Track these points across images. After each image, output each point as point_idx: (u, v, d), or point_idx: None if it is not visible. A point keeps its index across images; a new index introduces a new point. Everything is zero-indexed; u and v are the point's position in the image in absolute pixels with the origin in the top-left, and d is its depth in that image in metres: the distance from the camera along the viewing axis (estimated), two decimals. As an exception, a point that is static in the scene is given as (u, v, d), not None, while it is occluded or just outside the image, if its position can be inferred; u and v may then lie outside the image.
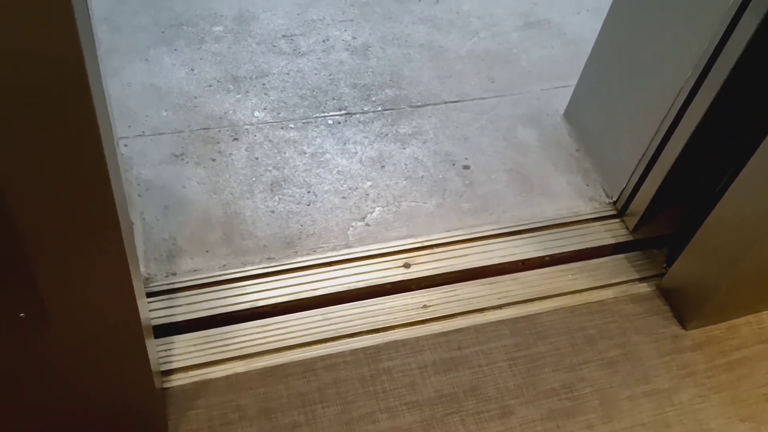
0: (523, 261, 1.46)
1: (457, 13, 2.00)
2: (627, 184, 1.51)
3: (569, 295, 1.42)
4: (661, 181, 1.41)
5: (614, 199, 1.56)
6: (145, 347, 0.93)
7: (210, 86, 1.71)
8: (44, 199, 0.66)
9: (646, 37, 1.40)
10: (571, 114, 1.75)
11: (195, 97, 1.68)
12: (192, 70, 1.74)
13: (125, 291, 0.79)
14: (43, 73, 0.57)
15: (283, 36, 1.86)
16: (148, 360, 0.96)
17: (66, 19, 0.55)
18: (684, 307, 1.40)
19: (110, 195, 0.68)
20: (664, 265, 1.47)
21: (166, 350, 1.24)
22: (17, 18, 0.53)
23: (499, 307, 1.38)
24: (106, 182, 0.66)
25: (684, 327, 1.40)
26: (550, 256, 1.47)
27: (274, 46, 1.83)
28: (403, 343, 1.31)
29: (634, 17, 1.44)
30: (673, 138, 1.37)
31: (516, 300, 1.40)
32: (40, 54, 0.56)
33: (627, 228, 1.53)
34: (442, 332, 1.33)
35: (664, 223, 1.53)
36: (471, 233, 1.49)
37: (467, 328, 1.34)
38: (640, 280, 1.47)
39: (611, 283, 1.45)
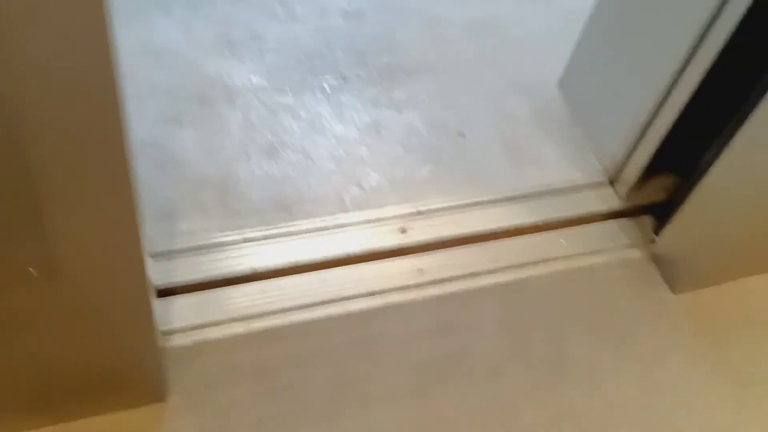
0: (516, 227, 1.47)
1: (453, -21, 1.99)
2: (619, 153, 1.52)
3: (561, 261, 1.44)
4: (653, 150, 1.43)
5: (607, 167, 1.57)
6: (150, 304, 0.94)
7: (205, 49, 1.71)
8: (59, 150, 0.66)
9: (643, 5, 1.41)
10: (565, 84, 1.75)
11: (190, 60, 1.68)
12: (187, 32, 1.74)
13: (133, 247, 0.80)
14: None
15: (279, 1, 1.85)
16: (151, 317, 0.97)
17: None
18: (673, 272, 1.43)
19: (124, 148, 0.68)
20: (653, 234, 1.49)
21: (165, 311, 1.26)
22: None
23: (493, 272, 1.40)
24: (120, 134, 0.67)
25: (673, 292, 1.43)
26: (543, 222, 1.49)
27: (270, 10, 1.82)
28: (398, 307, 1.33)
29: (631, -14, 1.45)
30: (666, 107, 1.38)
31: (509, 265, 1.42)
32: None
33: (618, 196, 1.54)
34: (437, 296, 1.35)
35: (654, 192, 1.55)
36: (465, 200, 1.50)
37: (461, 293, 1.36)
38: (631, 246, 1.49)
39: (603, 249, 1.47)
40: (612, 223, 1.52)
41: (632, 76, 1.46)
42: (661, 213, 1.51)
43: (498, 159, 1.60)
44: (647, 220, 1.53)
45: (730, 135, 1.25)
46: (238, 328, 1.25)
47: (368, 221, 1.44)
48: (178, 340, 1.22)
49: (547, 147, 1.63)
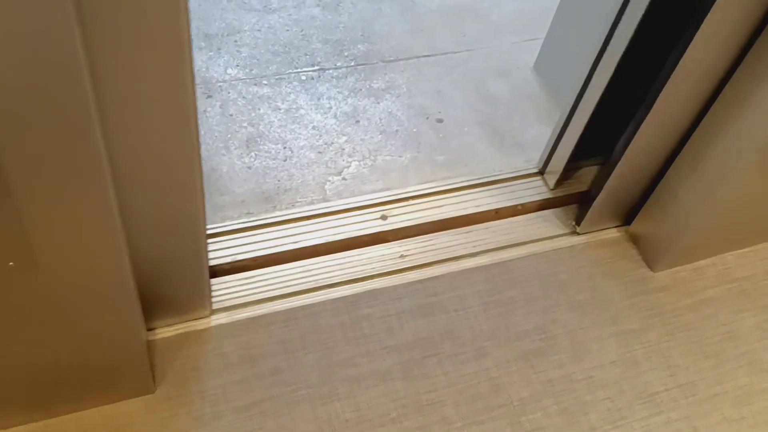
0: (496, 210, 1.49)
1: (428, -33, 2.01)
2: (549, 142, 1.51)
3: (540, 242, 1.46)
4: (576, 139, 1.41)
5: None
6: (133, 297, 0.95)
7: (182, 44, 1.71)
8: (31, 147, 0.67)
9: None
10: (540, 67, 1.77)
11: (167, 55, 1.68)
12: (163, 28, 1.74)
13: (112, 240, 0.81)
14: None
15: (254, -7, 1.86)
16: (136, 309, 0.98)
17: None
18: (652, 250, 1.45)
19: (95, 139, 0.69)
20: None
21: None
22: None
23: (474, 255, 1.42)
24: (92, 126, 0.68)
25: (652, 269, 1.46)
26: (522, 205, 1.51)
27: (245, 2, 1.83)
28: (381, 291, 1.35)
29: (601, -32, 1.46)
30: (587, 94, 1.36)
31: (489, 248, 1.44)
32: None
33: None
34: (419, 280, 1.37)
35: (580, 181, 1.54)
36: (445, 185, 1.52)
37: (442, 276, 1.38)
38: (610, 226, 1.51)
39: (582, 229, 1.49)
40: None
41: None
42: (581, 202, 1.51)
43: (477, 144, 1.62)
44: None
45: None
46: (223, 319, 1.27)
47: (349, 209, 1.45)
48: (163, 333, 1.23)
49: (526, 130, 1.65)
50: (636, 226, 1.49)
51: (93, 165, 0.71)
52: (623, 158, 1.32)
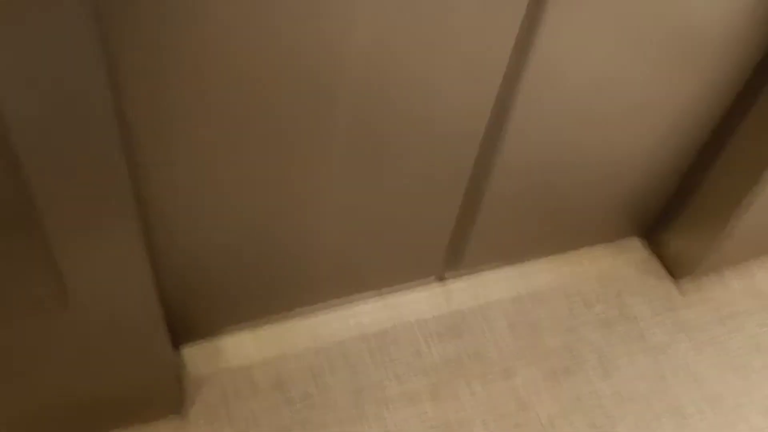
0: (518, 230, 1.50)
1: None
2: None
3: (565, 258, 1.47)
4: None
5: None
6: (162, 324, 0.97)
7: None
8: (62, 182, 0.70)
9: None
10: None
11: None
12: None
13: (141, 272, 0.83)
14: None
15: None
16: (164, 337, 1.00)
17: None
18: (677, 265, 1.45)
19: (124, 175, 0.72)
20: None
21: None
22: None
23: (499, 272, 1.43)
24: (122, 168, 0.71)
25: (677, 284, 1.46)
26: (544, 223, 1.52)
27: None
28: (409, 312, 1.36)
29: None
30: None
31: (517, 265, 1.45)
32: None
33: None
34: (446, 300, 1.38)
35: None
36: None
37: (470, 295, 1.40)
38: (633, 240, 1.52)
39: (605, 245, 1.50)
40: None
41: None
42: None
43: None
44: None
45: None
46: (252, 345, 1.29)
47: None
48: (194, 355, 1.25)
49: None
50: (660, 240, 1.49)
51: (122, 204, 0.74)
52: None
